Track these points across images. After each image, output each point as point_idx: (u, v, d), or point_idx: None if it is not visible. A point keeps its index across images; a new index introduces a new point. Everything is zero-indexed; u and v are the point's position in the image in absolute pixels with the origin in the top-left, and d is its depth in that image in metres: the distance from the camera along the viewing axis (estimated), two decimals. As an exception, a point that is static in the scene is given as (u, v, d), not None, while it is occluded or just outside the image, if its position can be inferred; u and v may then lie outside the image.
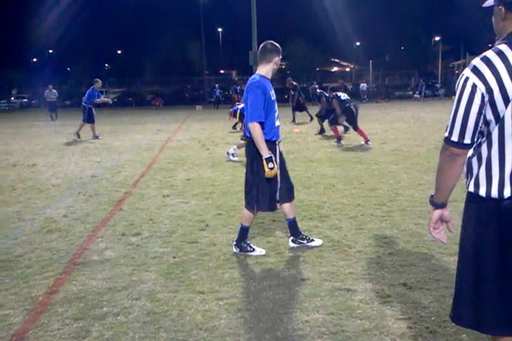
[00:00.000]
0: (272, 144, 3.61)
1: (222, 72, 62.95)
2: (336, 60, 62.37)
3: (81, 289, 3.23)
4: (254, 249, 3.84)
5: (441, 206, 1.91)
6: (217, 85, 38.10)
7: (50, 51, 62.69)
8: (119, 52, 65.09)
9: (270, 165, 3.51)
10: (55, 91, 23.17)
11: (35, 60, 62.29)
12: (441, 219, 1.94)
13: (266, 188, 3.66)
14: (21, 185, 6.88)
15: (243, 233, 3.85)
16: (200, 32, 44.33)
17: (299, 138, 12.17)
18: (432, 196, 1.94)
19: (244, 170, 3.82)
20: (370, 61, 47.48)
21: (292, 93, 16.68)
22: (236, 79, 63.11)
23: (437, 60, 49.09)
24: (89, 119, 13.18)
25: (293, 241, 3.97)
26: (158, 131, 15.45)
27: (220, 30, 61.06)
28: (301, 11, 43.69)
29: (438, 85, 39.86)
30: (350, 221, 4.65)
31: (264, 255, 3.81)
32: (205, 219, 4.87)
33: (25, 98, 47.31)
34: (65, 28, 53.26)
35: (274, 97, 3.68)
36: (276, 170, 3.58)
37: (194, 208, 5.31)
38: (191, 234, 4.39)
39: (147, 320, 2.79)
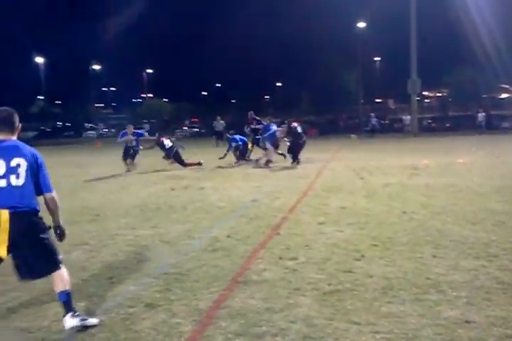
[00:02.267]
0: None
1: (378, 100, 62.16)
2: (505, 86, 57.21)
3: (242, 307, 3.43)
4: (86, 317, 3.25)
5: None
6: (372, 114, 37.69)
7: (218, 85, 68.70)
8: (278, 84, 68.55)
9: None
10: (222, 122, 25.87)
11: (205, 93, 68.85)
12: None
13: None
14: (191, 205, 7.59)
15: (71, 299, 3.23)
16: (356, 61, 44.68)
17: (463, 169, 11.38)
18: None
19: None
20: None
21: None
22: (393, 107, 61.69)
23: None
24: None
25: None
26: (313, 159, 15.75)
27: (377, 59, 60.78)
28: (464, 34, 41.25)
29: None
30: (523, 262, 4.20)
31: (96, 325, 3.21)
32: (360, 249, 4.82)
33: (196, 128, 52.08)
34: (231, 64, 58.13)
35: None
36: None
37: (349, 237, 5.30)
38: (346, 263, 4.38)
39: (303, 343, 2.85)
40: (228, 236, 5.45)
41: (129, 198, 8.56)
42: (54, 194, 3.23)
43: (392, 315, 3.23)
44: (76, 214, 6.96)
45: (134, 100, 74.73)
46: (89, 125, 58.59)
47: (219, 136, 25.47)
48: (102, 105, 77.88)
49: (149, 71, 67.20)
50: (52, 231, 3.23)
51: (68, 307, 3.18)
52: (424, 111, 50.76)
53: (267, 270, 4.23)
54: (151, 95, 68.91)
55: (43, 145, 27.21)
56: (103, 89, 77.00)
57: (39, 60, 58.45)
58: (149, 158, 15.33)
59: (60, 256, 3.24)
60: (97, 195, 9.19)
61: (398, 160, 14.13)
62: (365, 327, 3.05)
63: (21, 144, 3.20)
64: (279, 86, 68.88)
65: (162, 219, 6.58)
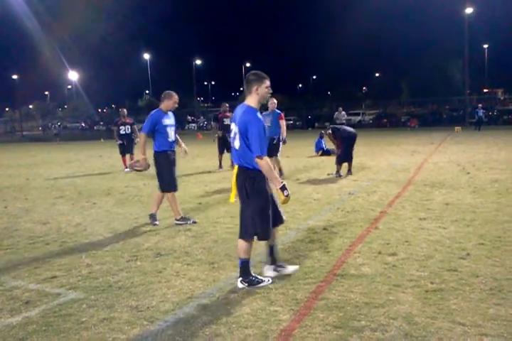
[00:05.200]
0: None
1: (485, 90, 58.13)
2: None
3: (340, 299, 3.42)
4: (262, 280, 3.80)
5: None
6: (480, 105, 35.26)
7: (314, 77, 68.21)
8: (376, 74, 66.53)
9: (286, 192, 3.74)
10: (344, 113, 24.66)
11: (300, 85, 68.71)
12: None
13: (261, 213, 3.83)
14: (287, 197, 7.64)
15: (247, 267, 3.81)
16: (462, 50, 41.94)
17: None
18: None
19: None
20: None
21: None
22: (502, 98, 57.29)
23: None
24: None
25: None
26: (414, 152, 15.13)
27: (485, 46, 56.83)
28: None
29: None
30: None
31: (271, 282, 3.79)
32: (465, 247, 4.57)
33: (290, 120, 52.00)
34: (325, 56, 57.39)
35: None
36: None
37: (453, 235, 5.04)
38: (450, 261, 4.18)
39: (404, 341, 2.78)
40: (325, 229, 5.43)
41: (229, 188, 8.81)
42: (260, 158, 3.59)
43: (501, 317, 3.04)
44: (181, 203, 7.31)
45: (232, 94, 76.75)
46: (191, 118, 60.76)
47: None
48: (202, 99, 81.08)
49: (248, 65, 68.45)
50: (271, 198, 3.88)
51: (240, 272, 3.81)
52: (540, 101, 46.56)
53: (365, 264, 4.16)
54: (247, 88, 70.16)
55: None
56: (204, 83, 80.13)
57: (146, 56, 62.18)
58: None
59: (253, 230, 3.80)
60: (201, 184, 9.58)
61: (508, 155, 13.13)
62: (471, 329, 2.89)
63: (244, 111, 3.70)
64: (377, 76, 66.82)
65: (259, 210, 6.70)
